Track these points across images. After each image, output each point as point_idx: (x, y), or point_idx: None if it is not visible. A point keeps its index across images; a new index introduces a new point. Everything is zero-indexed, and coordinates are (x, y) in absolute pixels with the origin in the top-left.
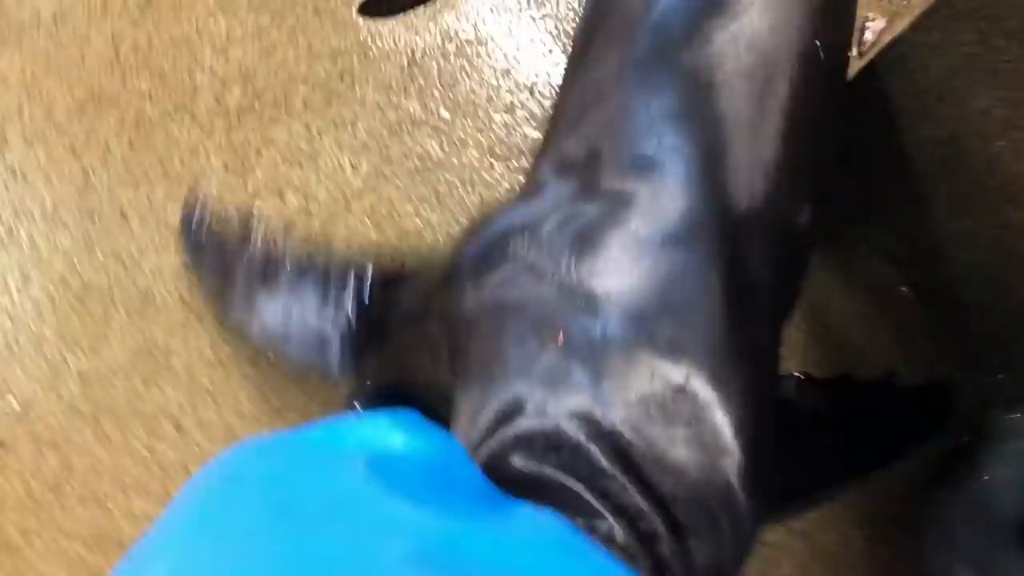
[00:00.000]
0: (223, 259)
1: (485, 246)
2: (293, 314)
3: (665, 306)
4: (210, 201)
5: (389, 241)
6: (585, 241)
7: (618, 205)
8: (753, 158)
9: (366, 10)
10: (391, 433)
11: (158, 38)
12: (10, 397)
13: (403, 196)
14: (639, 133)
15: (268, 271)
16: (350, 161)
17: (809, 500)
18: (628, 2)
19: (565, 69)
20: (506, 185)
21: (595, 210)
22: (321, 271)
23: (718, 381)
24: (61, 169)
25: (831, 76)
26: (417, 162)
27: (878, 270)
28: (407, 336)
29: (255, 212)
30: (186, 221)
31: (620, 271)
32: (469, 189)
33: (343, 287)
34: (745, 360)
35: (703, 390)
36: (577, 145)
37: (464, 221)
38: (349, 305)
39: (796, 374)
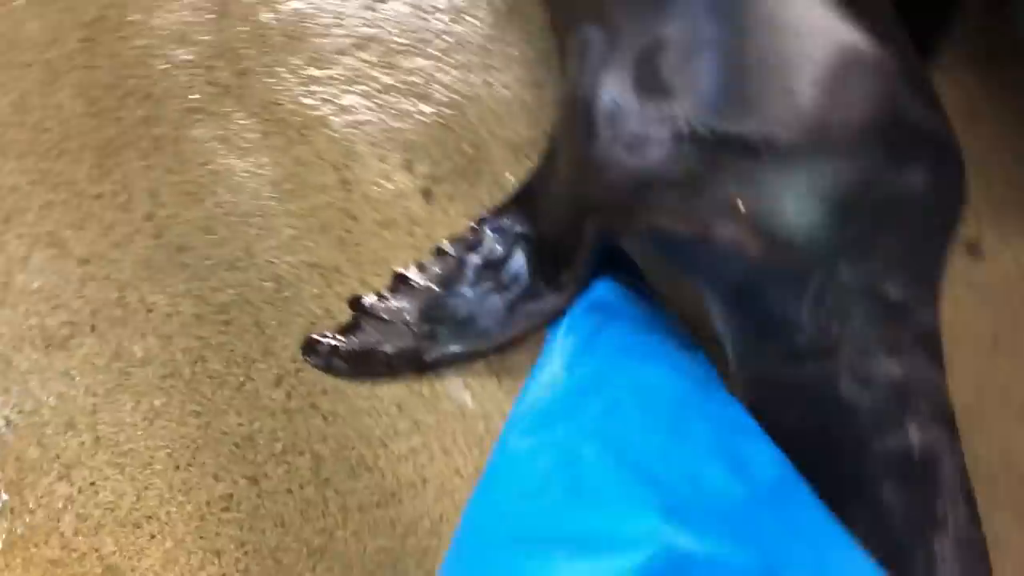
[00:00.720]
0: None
1: (588, 127)
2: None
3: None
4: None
5: (482, 118)
6: (672, 80)
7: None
8: None
9: None
10: None
11: (121, 64)
12: (235, 420)
13: (463, 76)
14: None
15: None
16: (378, 60)
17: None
18: None
19: None
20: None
21: (652, 42)
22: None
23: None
24: (126, 230)
25: None
26: (448, 39)
27: None
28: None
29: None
30: (320, 362)
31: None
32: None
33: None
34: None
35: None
36: None
37: (524, 59)
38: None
39: None
